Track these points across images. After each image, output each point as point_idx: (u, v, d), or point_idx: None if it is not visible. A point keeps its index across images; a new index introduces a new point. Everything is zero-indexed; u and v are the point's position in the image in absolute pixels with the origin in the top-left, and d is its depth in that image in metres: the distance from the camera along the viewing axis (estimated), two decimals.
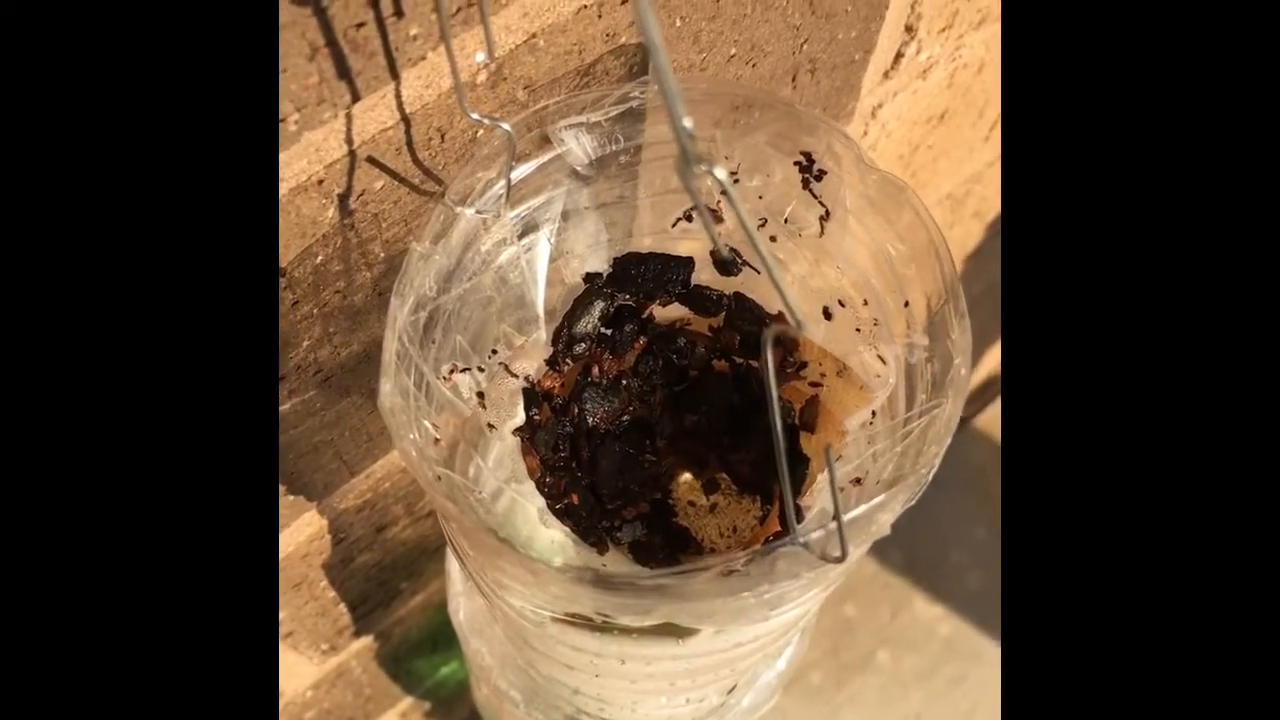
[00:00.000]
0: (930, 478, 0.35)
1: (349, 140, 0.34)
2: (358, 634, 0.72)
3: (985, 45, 0.67)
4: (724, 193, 0.25)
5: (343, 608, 0.66)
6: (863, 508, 0.33)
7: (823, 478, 0.41)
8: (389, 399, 0.35)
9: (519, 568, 0.34)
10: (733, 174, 0.41)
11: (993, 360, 1.72)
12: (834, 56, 0.52)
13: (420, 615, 0.78)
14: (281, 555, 0.55)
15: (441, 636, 0.84)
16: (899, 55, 0.59)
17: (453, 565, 0.58)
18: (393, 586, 0.70)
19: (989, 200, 0.97)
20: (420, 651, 0.85)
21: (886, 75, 0.60)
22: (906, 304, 0.39)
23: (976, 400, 1.88)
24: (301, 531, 0.54)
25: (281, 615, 0.61)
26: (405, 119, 0.35)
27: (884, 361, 0.40)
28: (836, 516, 0.32)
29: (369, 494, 0.56)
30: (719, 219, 0.43)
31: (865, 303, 0.41)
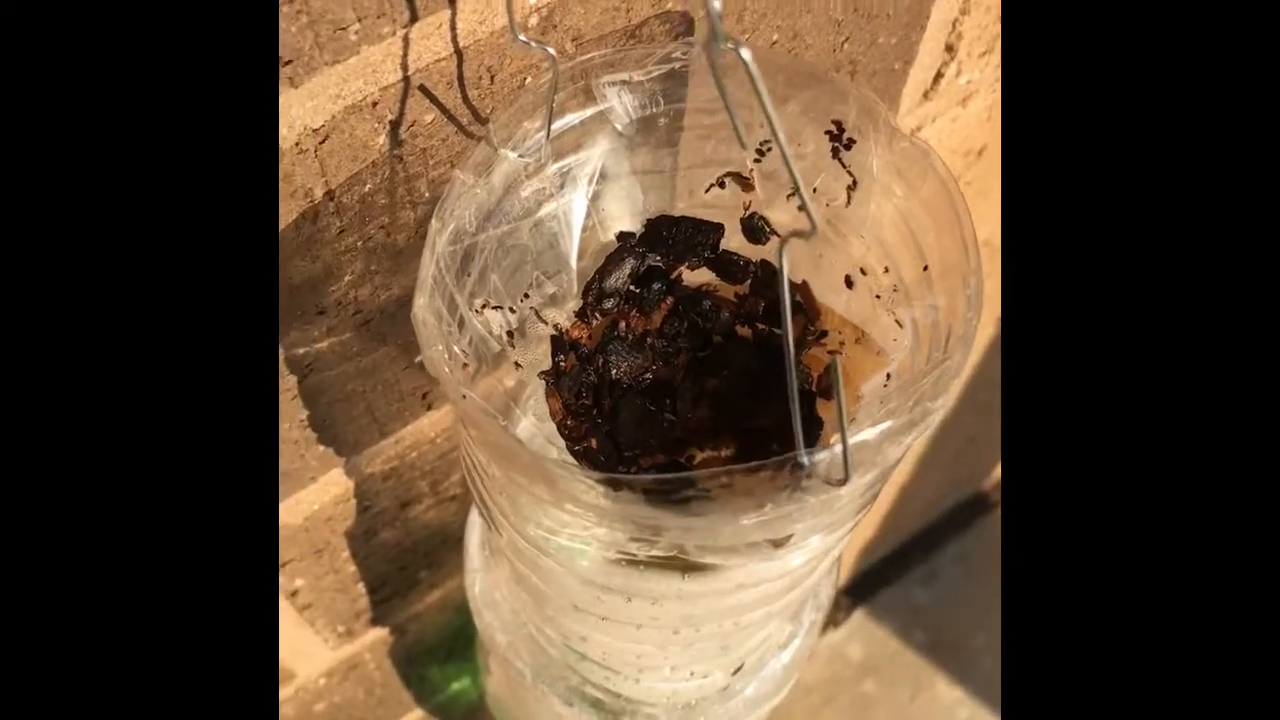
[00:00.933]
0: (937, 419, 0.36)
1: (404, 66, 0.36)
2: (374, 622, 0.73)
3: None
4: (748, 71, 0.26)
5: (361, 587, 0.67)
6: (867, 433, 0.34)
7: (836, 439, 0.42)
8: (422, 311, 0.37)
9: (538, 477, 0.36)
10: (766, 143, 0.43)
11: None
12: (874, 61, 0.54)
13: (438, 615, 0.79)
14: (307, 515, 0.56)
15: (457, 644, 0.84)
16: (939, 75, 0.60)
17: (472, 540, 0.59)
18: (412, 573, 0.71)
19: None
20: (435, 656, 0.85)
21: (926, 95, 0.61)
22: (925, 268, 0.41)
23: None
24: (328, 490, 0.56)
25: (301, 584, 0.62)
26: (458, 52, 0.37)
27: (901, 325, 0.42)
28: (842, 436, 0.33)
29: (396, 461, 0.57)
30: (749, 187, 0.45)
31: (885, 270, 0.42)
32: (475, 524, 0.59)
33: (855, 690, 1.70)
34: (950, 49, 0.59)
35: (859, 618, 1.76)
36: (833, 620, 1.73)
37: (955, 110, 0.65)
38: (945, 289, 0.40)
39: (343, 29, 0.33)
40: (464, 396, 0.38)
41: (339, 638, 0.72)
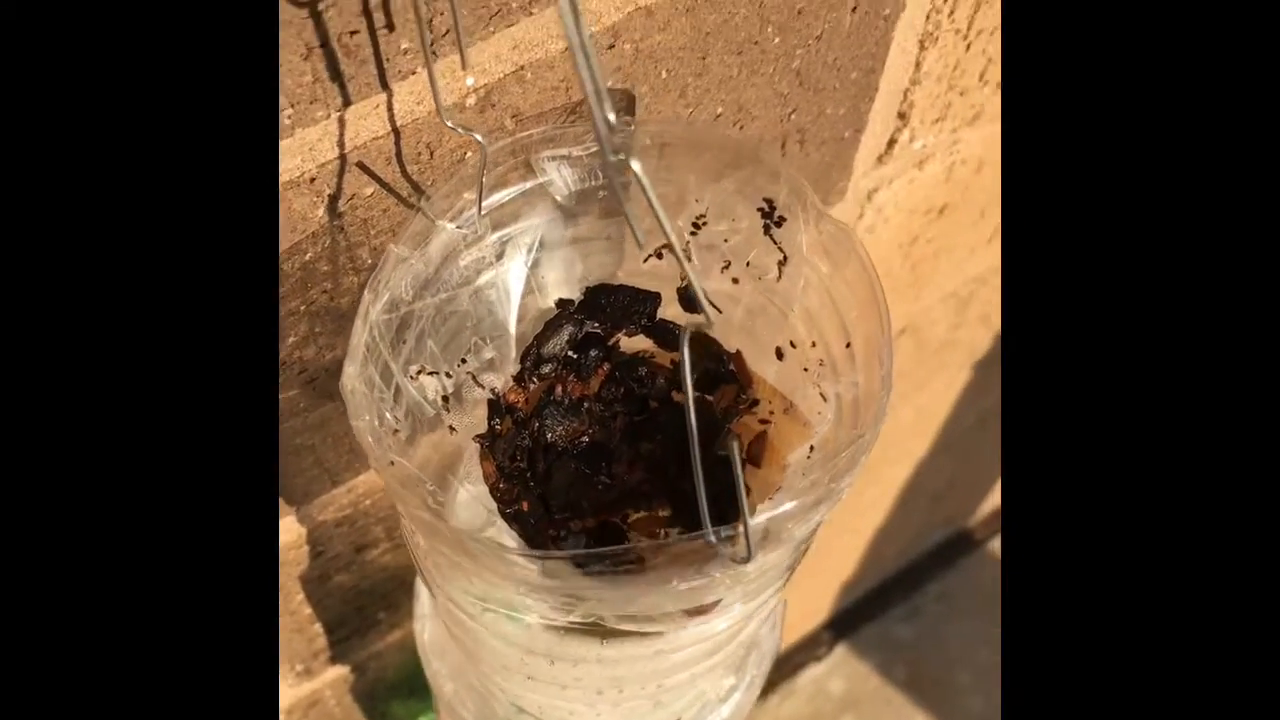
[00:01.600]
0: (844, 495, 0.37)
1: (341, 144, 0.38)
2: (334, 660, 0.74)
3: (984, 144, 0.70)
4: (640, 181, 0.27)
5: (319, 628, 0.68)
6: (771, 512, 0.35)
7: (761, 506, 0.43)
8: (351, 381, 0.38)
9: (457, 549, 0.37)
10: (701, 217, 0.44)
11: None
12: (823, 130, 0.55)
13: (398, 654, 0.80)
14: None
15: (419, 681, 0.85)
16: (892, 141, 0.62)
17: (421, 588, 0.60)
18: (370, 615, 0.72)
19: (995, 305, 0.99)
20: (397, 693, 0.86)
21: (880, 160, 0.63)
22: (848, 345, 0.42)
23: (992, 522, 1.88)
24: (280, 537, 0.57)
25: None
26: (395, 130, 0.39)
27: (825, 399, 0.43)
28: (741, 517, 0.34)
29: (349, 509, 0.59)
30: (686, 258, 0.46)
31: (813, 344, 0.44)
32: None
33: None
34: (903, 116, 0.60)
35: (840, 653, 1.77)
36: (814, 655, 1.74)
37: (912, 173, 0.66)
38: (865, 367, 0.41)
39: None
40: (391, 463, 0.39)
41: (298, 676, 0.73)
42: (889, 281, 0.78)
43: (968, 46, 0.58)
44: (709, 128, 0.49)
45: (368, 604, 0.70)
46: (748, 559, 0.35)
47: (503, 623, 0.41)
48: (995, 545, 1.84)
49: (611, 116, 0.26)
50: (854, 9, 0.49)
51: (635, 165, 0.27)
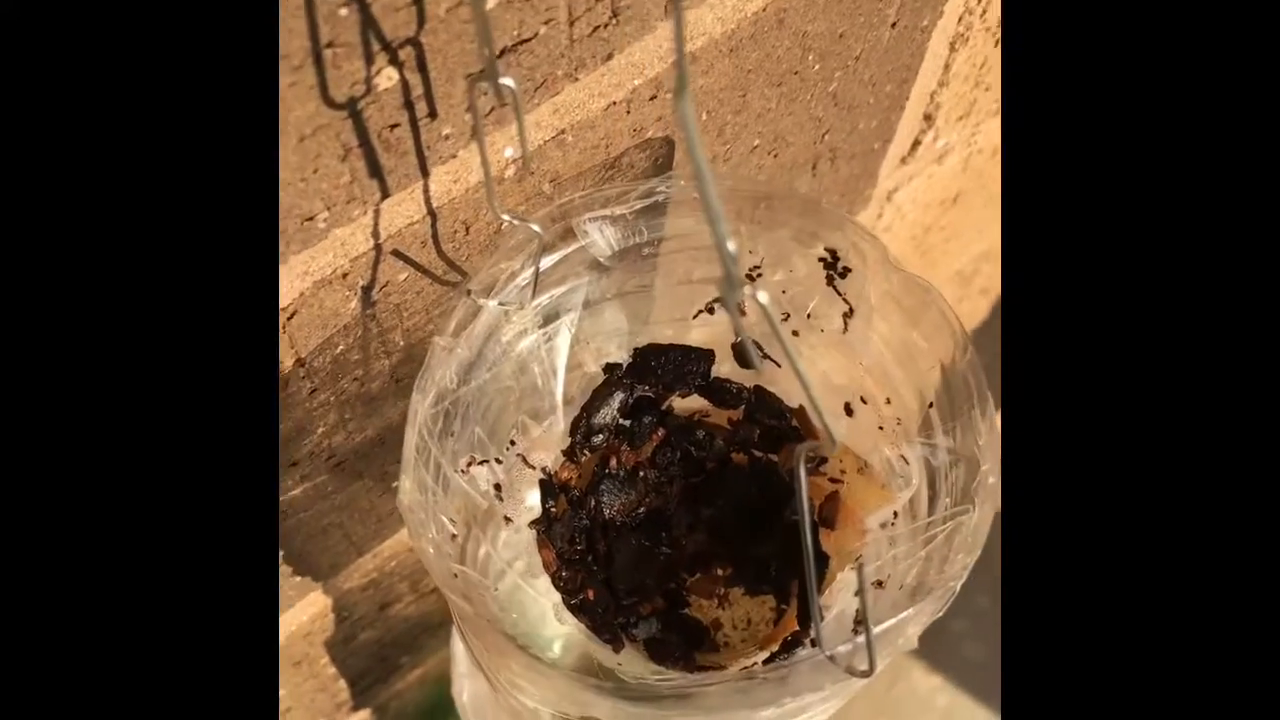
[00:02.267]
0: (959, 589, 0.34)
1: (375, 234, 0.34)
2: (355, 708, 0.71)
3: (1000, 131, 0.67)
4: (765, 314, 0.24)
5: (342, 684, 0.65)
6: (891, 621, 0.32)
7: (842, 577, 0.40)
8: (409, 496, 0.35)
9: (533, 672, 0.34)
10: (756, 268, 0.41)
11: None
12: (854, 146, 0.52)
13: (418, 689, 0.77)
14: (283, 635, 0.54)
15: (439, 710, 0.82)
16: (916, 143, 0.59)
17: (457, 645, 0.57)
18: (393, 662, 0.69)
19: (995, 278, 0.97)
20: None
21: (903, 161, 0.60)
22: (930, 405, 0.39)
23: None
24: (305, 611, 0.54)
25: (280, 693, 0.60)
26: (432, 213, 0.35)
27: (906, 461, 0.40)
28: (865, 629, 0.32)
29: (375, 573, 0.55)
30: (742, 312, 0.43)
31: (888, 401, 0.41)
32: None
33: None
34: (929, 118, 0.57)
35: None
36: None
37: (931, 168, 0.63)
38: (952, 430, 0.38)
39: (310, 219, 0.31)
40: (454, 576, 0.36)
41: None
42: None
43: (996, 42, 0.55)
44: (741, 175, 0.46)
45: (391, 653, 0.67)
46: (870, 673, 0.32)
47: None
48: None
49: (733, 246, 0.23)
50: (894, 24, 0.46)
51: (763, 298, 0.24)
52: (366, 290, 0.36)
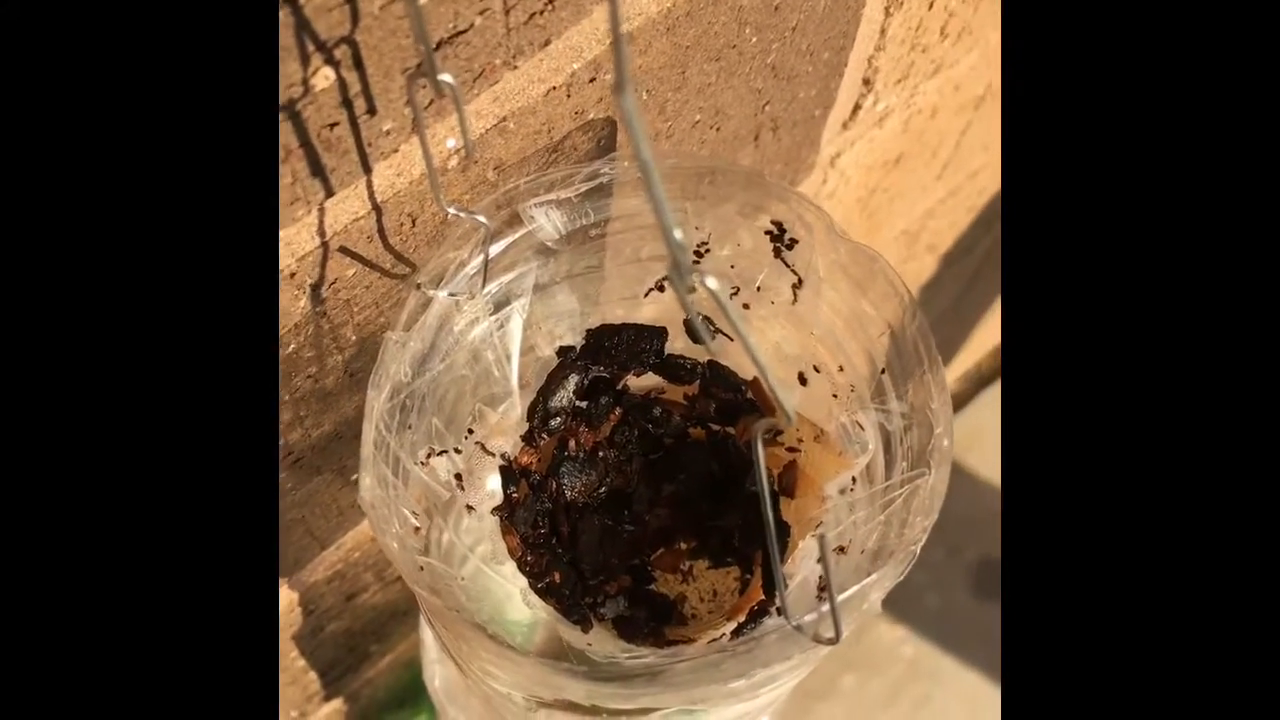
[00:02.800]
0: (919, 551, 0.35)
1: (321, 233, 0.34)
2: (327, 698, 0.71)
3: (938, 91, 0.67)
4: (715, 299, 0.24)
5: (312, 675, 0.65)
6: (855, 588, 0.33)
7: (804, 544, 0.41)
8: (369, 493, 0.35)
9: (504, 659, 0.34)
10: (703, 244, 0.41)
11: (948, 379, 1.71)
12: (795, 114, 0.52)
13: (389, 674, 0.77)
14: None
15: (409, 693, 0.83)
16: (857, 107, 0.59)
17: (427, 633, 0.57)
18: (362, 650, 0.69)
19: (941, 234, 0.98)
20: (389, 708, 0.84)
21: (845, 126, 0.60)
22: (883, 371, 0.40)
23: None
24: None
25: None
26: (377, 208, 0.35)
27: (861, 427, 0.40)
28: (829, 597, 0.32)
29: (339, 564, 0.55)
30: (691, 289, 0.43)
31: (840, 369, 0.41)
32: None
33: None
34: (867, 82, 0.57)
35: None
36: None
37: (873, 132, 0.64)
38: (905, 395, 0.39)
39: None
40: (420, 568, 0.36)
41: None
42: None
43: (930, 4, 0.55)
44: (684, 151, 0.46)
45: (360, 642, 0.67)
46: (836, 640, 0.32)
47: (554, 715, 0.38)
48: None
49: (679, 234, 0.23)
50: None
51: (712, 283, 0.24)
52: (315, 288, 0.36)
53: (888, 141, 0.67)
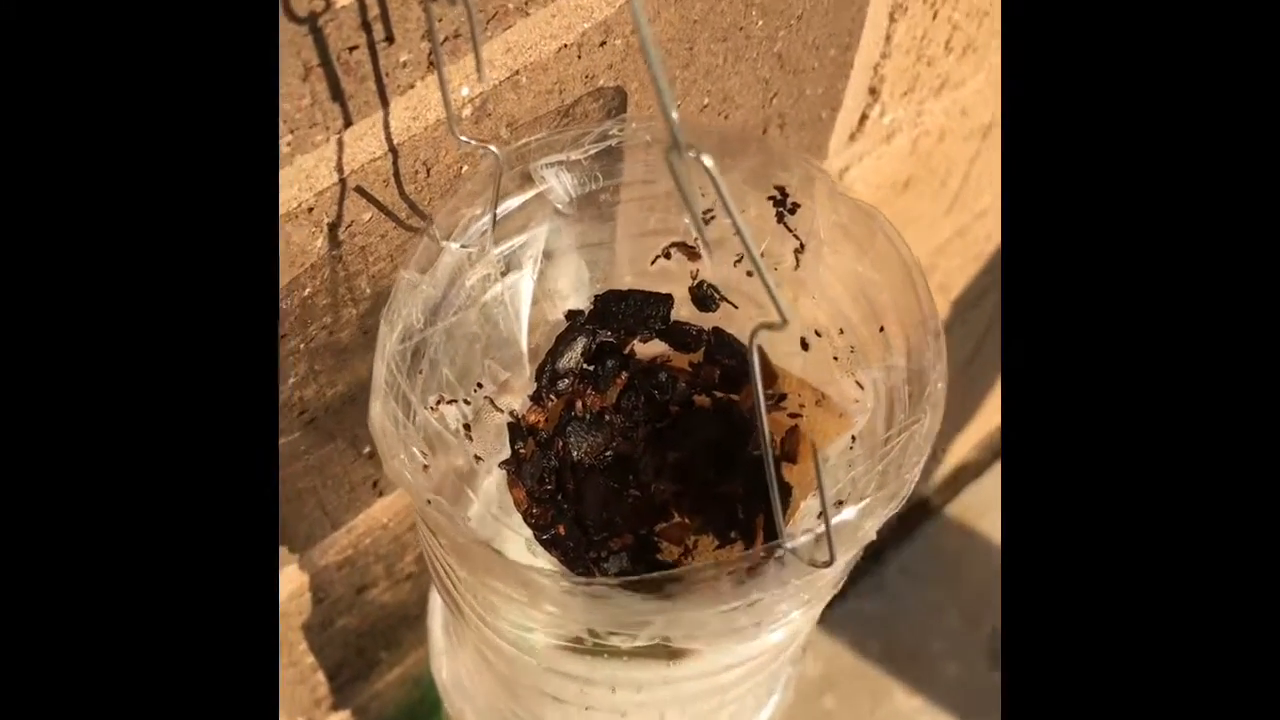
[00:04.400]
0: (913, 485, 0.36)
1: (339, 169, 0.35)
2: (335, 707, 0.71)
3: (945, 113, 0.69)
4: (712, 178, 0.26)
5: (320, 675, 0.66)
6: (848, 512, 0.34)
7: (805, 505, 0.41)
8: (379, 419, 0.36)
9: (513, 581, 0.35)
10: (708, 212, 0.43)
11: (963, 447, 1.72)
12: (802, 113, 0.54)
13: (398, 689, 0.77)
14: None
15: (419, 712, 0.82)
16: (864, 117, 0.61)
17: (435, 624, 0.57)
18: (372, 656, 0.69)
19: (953, 275, 0.99)
20: None
21: (853, 137, 0.62)
22: (882, 329, 0.41)
23: (948, 488, 1.89)
24: (283, 589, 0.54)
25: None
26: (393, 150, 0.36)
27: (861, 387, 0.41)
28: (824, 518, 0.33)
29: (350, 550, 0.56)
30: (695, 255, 0.45)
31: (841, 331, 0.42)
32: (437, 606, 0.58)
33: (816, 707, 1.70)
34: (874, 91, 0.59)
35: (812, 634, 1.76)
36: None
37: (881, 148, 0.65)
38: (904, 349, 0.39)
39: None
40: (428, 502, 0.37)
41: None
42: None
43: (934, 15, 0.57)
44: (704, 121, 0.48)
45: (369, 645, 0.67)
46: (830, 562, 0.33)
47: (558, 656, 0.39)
48: (952, 511, 1.84)
49: (676, 114, 0.25)
50: None
51: (707, 160, 0.25)
52: (333, 228, 0.37)
53: (896, 161, 0.69)
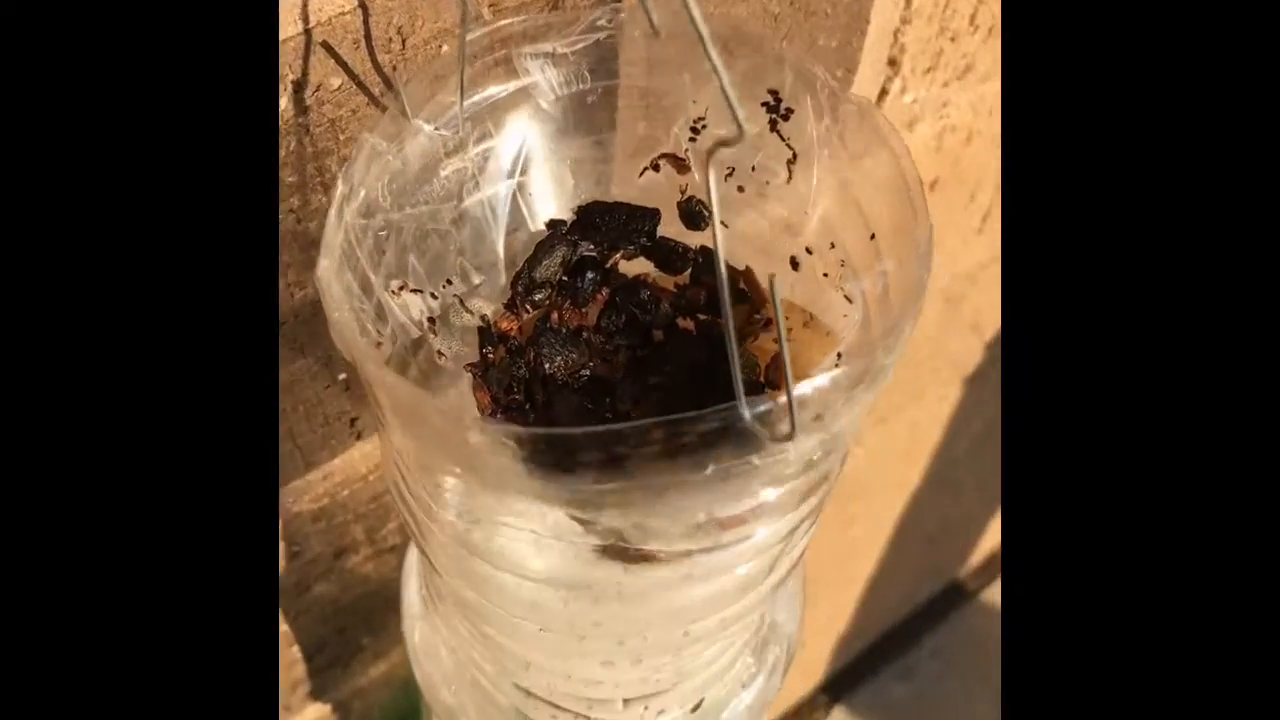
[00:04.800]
0: (888, 373, 0.33)
1: (304, 16, 0.34)
2: (314, 694, 0.68)
3: (973, 110, 0.67)
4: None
5: (297, 650, 0.63)
6: (816, 381, 0.31)
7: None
8: (327, 275, 0.34)
9: (457, 439, 0.32)
10: (700, 120, 0.41)
11: (998, 531, 1.67)
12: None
13: (384, 690, 0.74)
14: None
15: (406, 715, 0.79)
16: (884, 91, 0.59)
17: (409, 586, 0.55)
18: (353, 639, 0.66)
19: (985, 312, 0.96)
20: None
21: None
22: (873, 237, 0.38)
23: (984, 572, 1.84)
24: None
25: None
26: (364, 5, 0.35)
27: (850, 301, 0.39)
28: (786, 388, 0.30)
29: (326, 500, 0.54)
30: (685, 169, 0.43)
31: (832, 246, 0.40)
32: (413, 569, 0.55)
33: None
34: (893, 63, 0.58)
35: (838, 715, 1.71)
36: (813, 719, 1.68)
37: (903, 134, 0.63)
38: (894, 253, 0.37)
39: None
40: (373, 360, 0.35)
41: None
42: None
43: None
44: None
45: (349, 625, 0.64)
46: (791, 435, 0.30)
47: (516, 552, 0.36)
48: (988, 597, 1.79)
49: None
50: None
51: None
52: (299, 88, 0.36)
53: (920, 155, 0.67)
